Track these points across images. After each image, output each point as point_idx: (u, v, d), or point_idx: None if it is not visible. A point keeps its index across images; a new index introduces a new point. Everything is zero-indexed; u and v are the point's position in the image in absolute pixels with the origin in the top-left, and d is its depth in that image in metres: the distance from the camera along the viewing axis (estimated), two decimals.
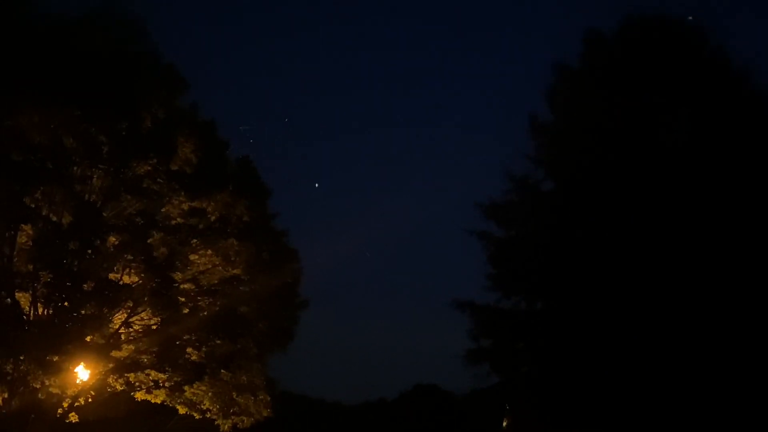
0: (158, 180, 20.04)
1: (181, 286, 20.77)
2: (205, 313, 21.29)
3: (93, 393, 20.23)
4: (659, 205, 20.72)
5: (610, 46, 23.29)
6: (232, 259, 21.41)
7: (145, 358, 20.54)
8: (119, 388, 20.97)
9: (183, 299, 20.82)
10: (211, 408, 22.29)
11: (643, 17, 22.93)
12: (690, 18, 22.73)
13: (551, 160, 24.31)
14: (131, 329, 20.78)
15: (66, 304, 19.00)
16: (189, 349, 21.03)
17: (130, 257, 19.56)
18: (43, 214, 18.98)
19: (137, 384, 21.10)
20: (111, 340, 20.30)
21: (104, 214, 19.95)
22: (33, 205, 18.79)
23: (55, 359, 17.88)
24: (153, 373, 20.83)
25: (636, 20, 22.99)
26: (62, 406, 19.92)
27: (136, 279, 19.96)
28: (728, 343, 19.17)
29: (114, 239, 19.58)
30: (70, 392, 19.46)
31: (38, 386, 18.10)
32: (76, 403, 20.01)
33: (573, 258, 22.16)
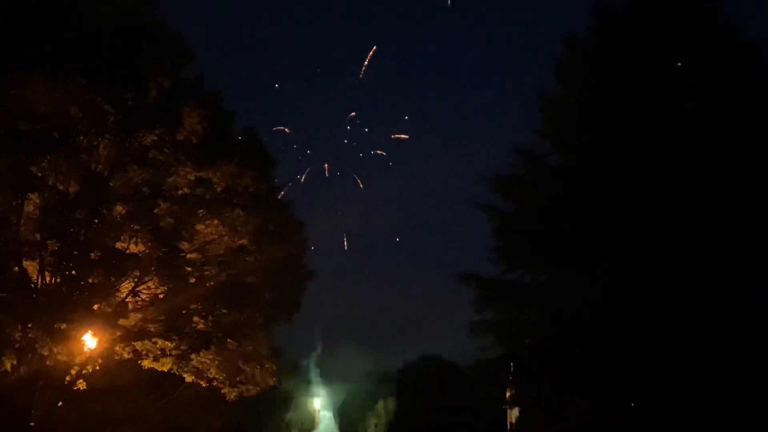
0: (164, 150, 20.01)
1: (188, 256, 20.85)
2: (212, 283, 21.43)
3: (100, 361, 20.42)
4: (668, 178, 20.62)
5: (620, 19, 23.00)
6: (239, 229, 21.45)
7: (152, 327, 20.64)
8: (126, 356, 21.19)
9: (189, 269, 20.90)
10: (217, 376, 22.45)
11: None
12: None
13: (559, 133, 24.20)
14: (138, 298, 20.93)
15: (73, 272, 19.12)
16: (195, 318, 21.16)
17: (136, 227, 19.62)
18: (50, 183, 18.99)
19: (144, 352, 21.25)
20: (118, 309, 20.42)
21: (111, 184, 19.98)
22: (39, 174, 18.78)
23: (62, 327, 18.00)
24: (160, 341, 20.94)
25: None
26: (70, 374, 20.14)
27: (143, 248, 20.05)
28: (732, 312, 19.19)
29: (121, 209, 19.62)
30: (77, 360, 19.62)
31: (46, 354, 18.25)
32: (84, 371, 20.22)
33: (578, 231, 22.16)
